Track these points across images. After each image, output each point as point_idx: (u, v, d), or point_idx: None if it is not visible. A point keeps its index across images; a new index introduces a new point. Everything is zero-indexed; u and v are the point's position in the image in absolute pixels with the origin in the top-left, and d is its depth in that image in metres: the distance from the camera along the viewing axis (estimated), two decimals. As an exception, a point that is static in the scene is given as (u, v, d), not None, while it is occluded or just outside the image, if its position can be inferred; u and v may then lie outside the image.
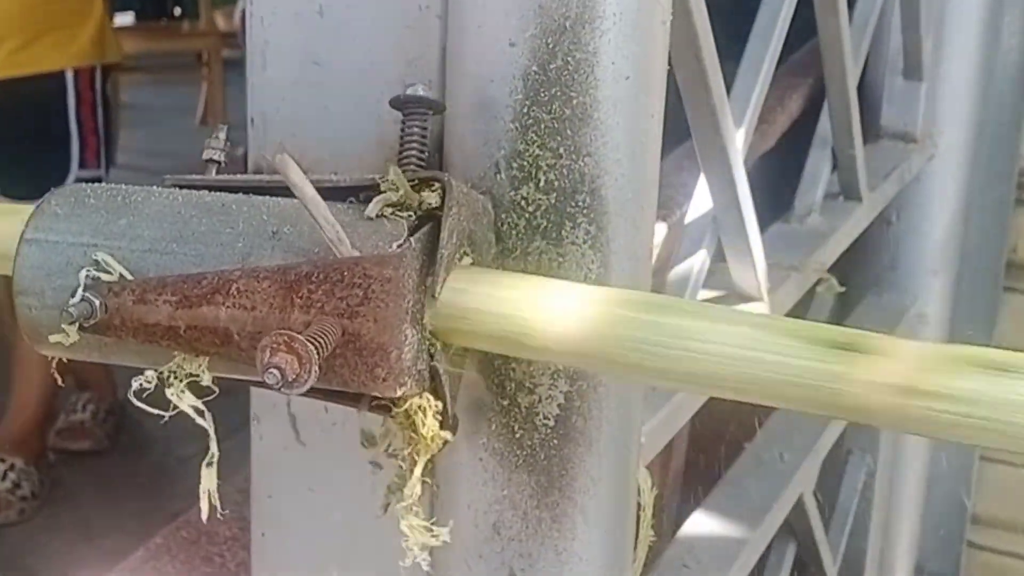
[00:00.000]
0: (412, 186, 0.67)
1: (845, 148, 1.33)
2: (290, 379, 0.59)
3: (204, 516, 0.67)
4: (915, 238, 1.74)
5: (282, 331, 0.60)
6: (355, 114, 0.78)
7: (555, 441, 0.74)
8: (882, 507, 1.78)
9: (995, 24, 1.72)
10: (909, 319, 1.74)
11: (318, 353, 0.60)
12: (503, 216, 0.72)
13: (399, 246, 0.64)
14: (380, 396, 0.65)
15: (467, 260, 0.68)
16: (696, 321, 0.62)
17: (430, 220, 0.66)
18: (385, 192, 0.67)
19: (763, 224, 1.36)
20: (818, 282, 1.25)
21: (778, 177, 1.46)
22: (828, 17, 1.18)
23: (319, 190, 0.70)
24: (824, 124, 1.39)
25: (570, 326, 0.63)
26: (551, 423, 0.74)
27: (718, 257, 1.10)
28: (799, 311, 1.44)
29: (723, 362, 0.60)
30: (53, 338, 0.69)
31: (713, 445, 1.56)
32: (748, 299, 1.08)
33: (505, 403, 0.74)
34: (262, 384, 0.68)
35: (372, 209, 0.66)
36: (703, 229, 1.04)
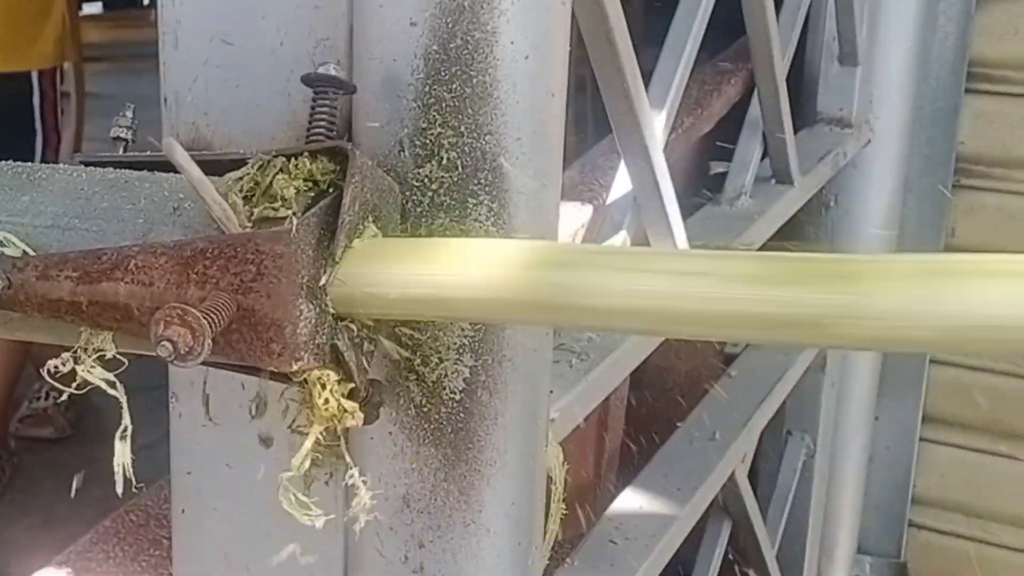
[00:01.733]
0: (313, 157, 0.68)
1: (775, 132, 1.35)
2: (183, 352, 0.60)
3: (119, 490, 0.68)
4: (853, 222, 1.76)
5: (175, 304, 0.61)
6: (265, 92, 0.79)
7: (461, 415, 0.76)
8: (822, 488, 1.80)
9: (931, 9, 1.74)
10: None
11: (211, 327, 0.61)
12: (407, 194, 0.73)
13: (298, 221, 0.65)
14: (275, 371, 0.66)
15: (371, 231, 0.69)
16: (612, 262, 0.64)
17: (333, 193, 0.67)
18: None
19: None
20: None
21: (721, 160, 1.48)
22: (753, 1, 1.19)
23: (224, 163, 0.71)
24: (755, 108, 1.41)
25: (481, 278, 0.64)
26: (457, 397, 0.75)
27: (643, 239, 1.11)
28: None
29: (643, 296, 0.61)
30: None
31: (649, 426, 1.57)
32: (671, 279, 1.10)
33: (412, 377, 0.75)
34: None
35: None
36: (624, 210, 1.05)
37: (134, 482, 0.72)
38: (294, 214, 0.65)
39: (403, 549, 0.79)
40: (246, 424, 0.85)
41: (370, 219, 0.69)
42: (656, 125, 0.99)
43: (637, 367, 1.06)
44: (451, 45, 0.71)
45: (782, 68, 1.30)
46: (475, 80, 0.71)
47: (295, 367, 0.65)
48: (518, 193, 0.73)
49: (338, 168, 0.69)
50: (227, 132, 0.81)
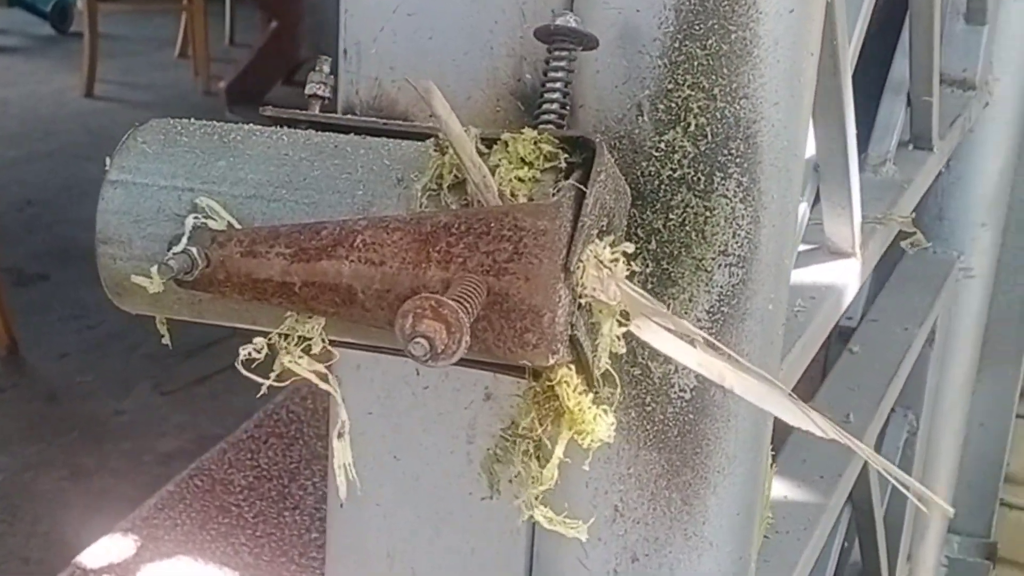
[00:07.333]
0: (556, 144, 0.58)
1: (922, 94, 1.26)
2: (439, 350, 0.52)
3: (343, 495, 0.59)
4: (964, 189, 1.67)
5: (428, 295, 0.52)
6: (464, 46, 0.70)
7: (690, 416, 0.67)
8: (920, 466, 1.72)
9: (1058, -34, 1.64)
10: (955, 272, 1.68)
11: (468, 319, 0.53)
12: (644, 164, 0.65)
13: (555, 195, 0.56)
14: (529, 365, 0.58)
15: (606, 240, 0.59)
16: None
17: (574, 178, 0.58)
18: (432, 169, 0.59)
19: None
20: (897, 235, 1.18)
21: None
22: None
23: (415, 135, 0.62)
24: (899, 68, 1.31)
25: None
26: (687, 396, 0.67)
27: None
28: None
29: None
30: (135, 279, 0.61)
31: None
32: (841, 255, 1.01)
33: (636, 372, 0.67)
34: (383, 350, 0.61)
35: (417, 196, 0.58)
36: (804, 178, 0.96)
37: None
38: (561, 190, 0.56)
39: (612, 562, 0.71)
40: (420, 414, 0.76)
41: (604, 223, 0.60)
42: (850, 87, 0.90)
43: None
44: (709, -5, 0.62)
45: (939, 25, 1.21)
46: (733, 36, 0.62)
47: (551, 360, 0.56)
48: (771, 166, 0.64)
49: (572, 151, 0.59)
50: (414, 91, 0.71)
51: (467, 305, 0.53)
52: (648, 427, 0.68)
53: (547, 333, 0.55)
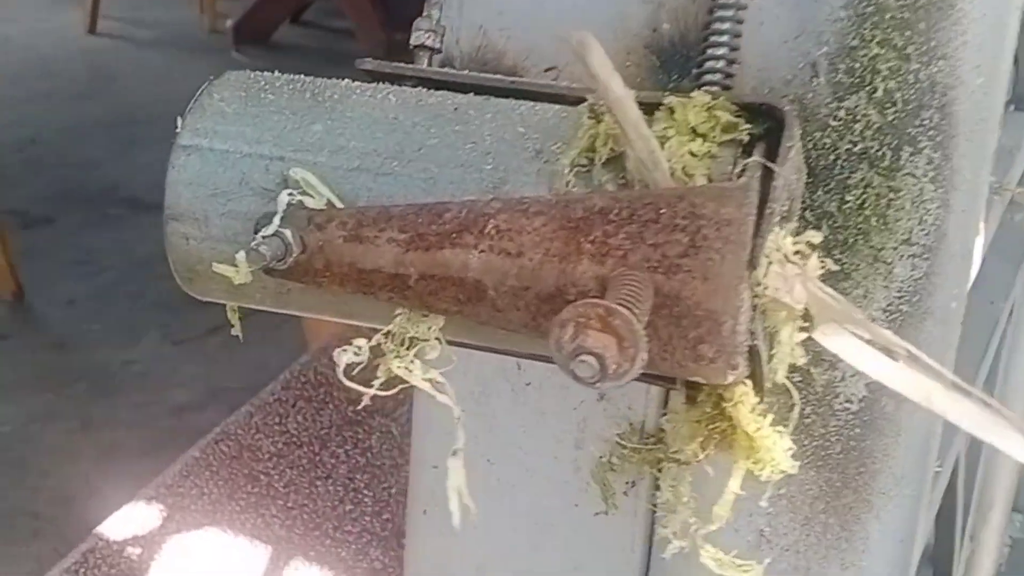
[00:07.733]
0: (735, 111, 0.48)
1: (1027, 49, 1.15)
2: (609, 370, 0.41)
3: (456, 522, 0.50)
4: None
5: (594, 301, 0.42)
6: (589, -14, 0.59)
7: (856, 430, 0.57)
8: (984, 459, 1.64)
9: None
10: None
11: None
12: (817, 136, 0.54)
13: (739, 175, 0.45)
14: (704, 382, 0.47)
15: (787, 228, 0.49)
16: None
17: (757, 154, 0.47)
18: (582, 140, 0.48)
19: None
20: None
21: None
22: None
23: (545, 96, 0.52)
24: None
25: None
26: (854, 407, 0.57)
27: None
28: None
29: None
30: (217, 268, 0.51)
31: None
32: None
33: (795, 379, 0.57)
34: (514, 354, 0.51)
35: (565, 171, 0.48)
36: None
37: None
38: (745, 170, 0.45)
39: (755, 594, 0.61)
40: (520, 413, 0.67)
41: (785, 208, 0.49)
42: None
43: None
44: (913, -67, 0.51)
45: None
46: (935, -16, 0.52)
47: (730, 378, 0.46)
48: (967, 141, 0.54)
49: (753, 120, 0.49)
50: (528, 39, 0.61)
51: (636, 312, 0.43)
52: (806, 442, 0.58)
53: (727, 344, 0.45)
